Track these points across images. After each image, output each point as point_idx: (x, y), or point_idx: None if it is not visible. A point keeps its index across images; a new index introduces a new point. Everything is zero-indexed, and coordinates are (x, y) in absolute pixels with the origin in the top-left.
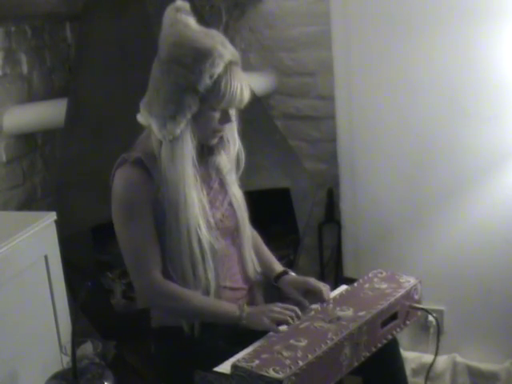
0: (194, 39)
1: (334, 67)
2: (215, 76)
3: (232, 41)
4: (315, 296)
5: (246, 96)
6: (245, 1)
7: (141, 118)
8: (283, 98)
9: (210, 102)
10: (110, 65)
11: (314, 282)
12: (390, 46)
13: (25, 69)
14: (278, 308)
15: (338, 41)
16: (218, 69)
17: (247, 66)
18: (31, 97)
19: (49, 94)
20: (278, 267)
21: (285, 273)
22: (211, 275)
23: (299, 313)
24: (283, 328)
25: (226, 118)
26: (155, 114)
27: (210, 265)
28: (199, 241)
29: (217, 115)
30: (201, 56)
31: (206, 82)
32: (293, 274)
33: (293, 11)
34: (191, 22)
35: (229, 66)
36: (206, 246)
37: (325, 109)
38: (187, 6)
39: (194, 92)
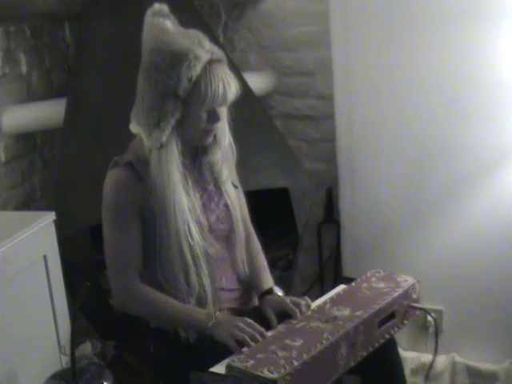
0: (169, 43)
1: (333, 67)
2: (194, 78)
3: (231, 41)
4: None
5: (231, 93)
6: (244, 1)
7: (132, 127)
8: (282, 98)
9: (193, 104)
10: (109, 65)
11: (289, 304)
12: (389, 45)
13: (24, 69)
14: (242, 325)
15: (337, 40)
16: (196, 71)
17: (246, 66)
18: (30, 97)
19: (48, 94)
20: (266, 284)
21: (269, 292)
22: (206, 281)
23: (266, 334)
24: (244, 349)
25: (214, 118)
26: (142, 122)
27: (204, 270)
28: (190, 247)
29: (204, 116)
30: (177, 60)
31: (186, 85)
32: (278, 293)
33: (292, 11)
34: (168, 25)
35: (208, 65)
36: (199, 252)
37: (324, 109)
38: (164, 8)
39: (174, 97)
